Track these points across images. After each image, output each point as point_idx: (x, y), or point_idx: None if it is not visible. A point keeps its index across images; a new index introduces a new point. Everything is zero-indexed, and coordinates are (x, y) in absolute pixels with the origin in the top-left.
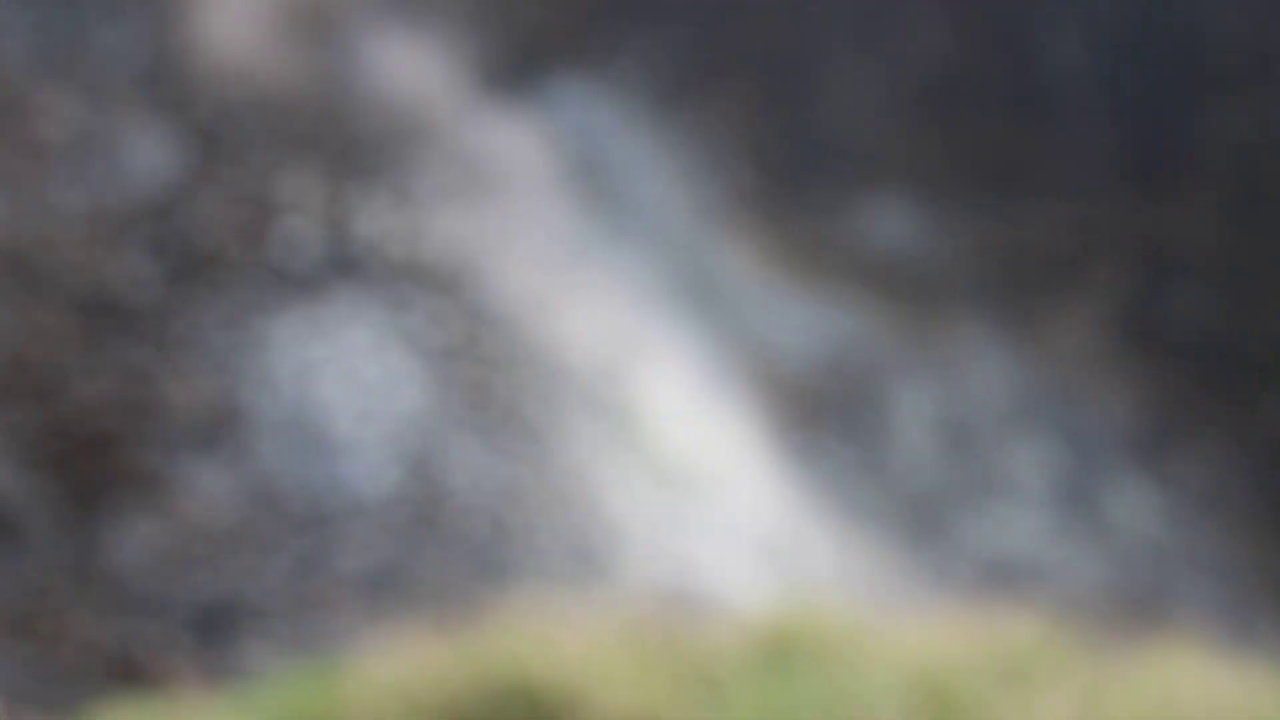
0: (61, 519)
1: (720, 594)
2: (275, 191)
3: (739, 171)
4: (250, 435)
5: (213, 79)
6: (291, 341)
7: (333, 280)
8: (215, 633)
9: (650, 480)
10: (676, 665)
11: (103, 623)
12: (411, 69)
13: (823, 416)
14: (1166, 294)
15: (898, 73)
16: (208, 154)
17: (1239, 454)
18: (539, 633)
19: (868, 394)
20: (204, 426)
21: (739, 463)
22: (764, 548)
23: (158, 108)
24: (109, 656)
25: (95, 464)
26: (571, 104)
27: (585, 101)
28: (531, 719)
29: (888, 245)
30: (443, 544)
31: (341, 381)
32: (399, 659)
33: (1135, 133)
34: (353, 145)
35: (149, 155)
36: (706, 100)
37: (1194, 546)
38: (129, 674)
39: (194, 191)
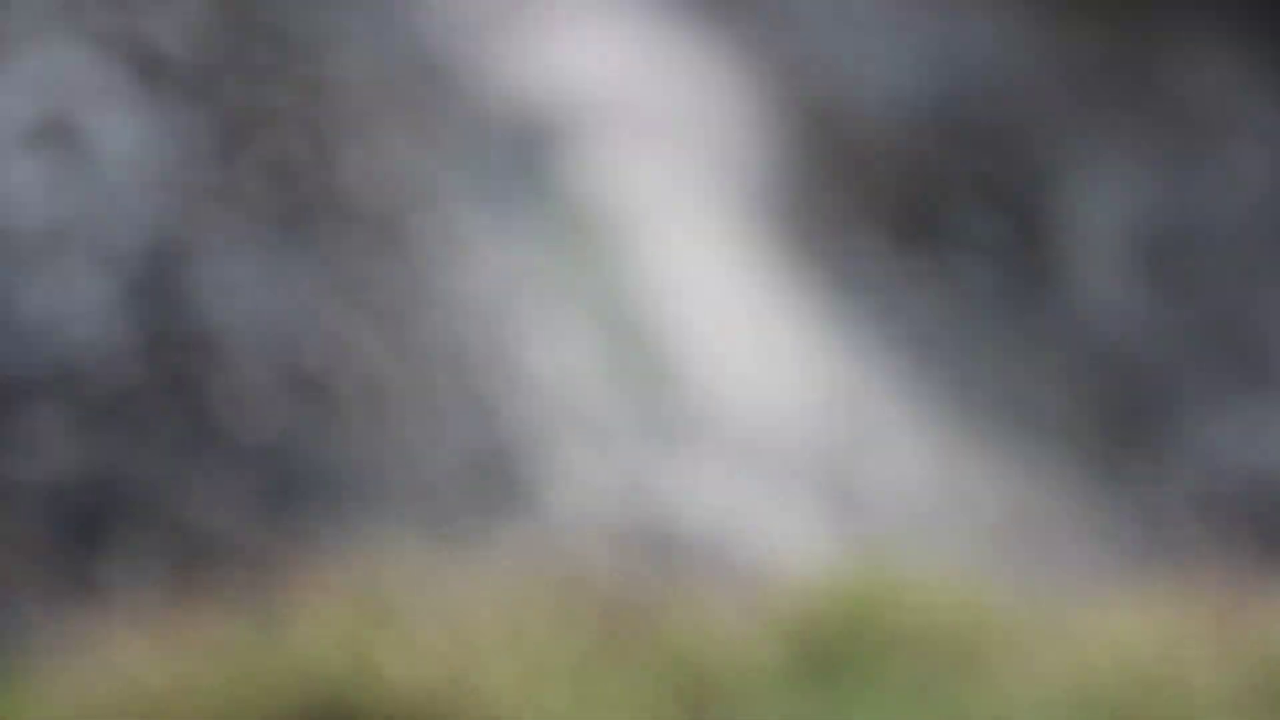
0: None
1: (732, 543)
2: None
3: None
4: None
5: None
6: None
7: None
8: None
9: (613, 344)
10: (646, 676)
11: None
12: None
13: (929, 220)
14: None
15: None
16: None
17: None
18: (384, 622)
19: (1015, 180)
20: None
21: (769, 311)
22: (811, 467)
23: None
24: None
25: None
26: None
27: None
28: None
29: None
30: (208, 452)
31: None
32: (122, 666)
33: None
34: None
35: None
36: None
37: None
38: None
39: None
